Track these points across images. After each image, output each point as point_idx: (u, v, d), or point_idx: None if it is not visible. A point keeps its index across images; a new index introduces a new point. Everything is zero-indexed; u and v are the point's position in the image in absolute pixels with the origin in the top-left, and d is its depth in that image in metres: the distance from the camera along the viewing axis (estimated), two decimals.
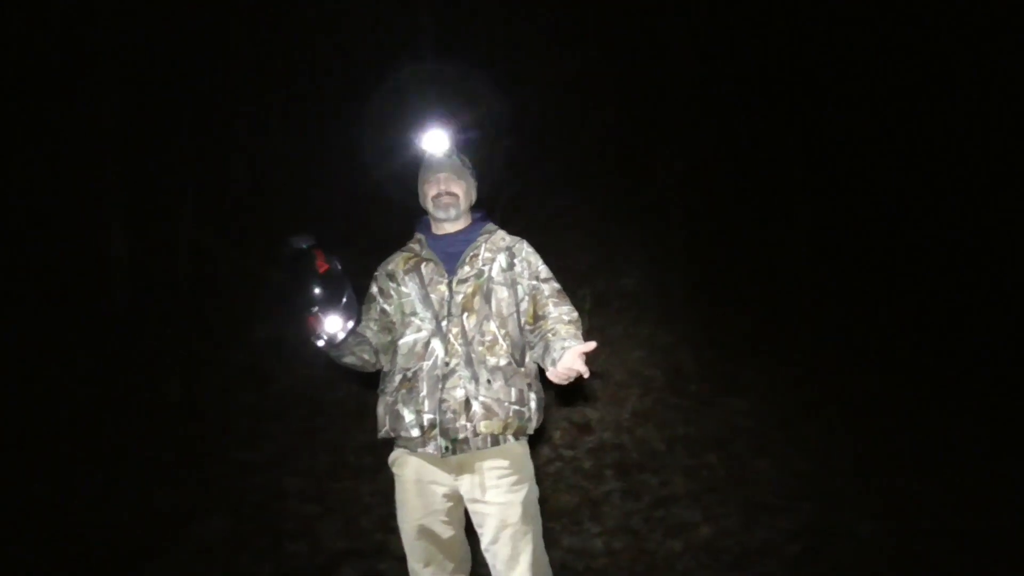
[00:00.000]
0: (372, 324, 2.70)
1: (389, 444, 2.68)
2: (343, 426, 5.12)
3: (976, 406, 5.97)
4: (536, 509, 2.62)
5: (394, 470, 2.67)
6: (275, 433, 4.99)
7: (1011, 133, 8.24)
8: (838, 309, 7.65)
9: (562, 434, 5.19)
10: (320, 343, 2.49)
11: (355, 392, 5.45)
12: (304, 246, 2.56)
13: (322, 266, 2.52)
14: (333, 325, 2.48)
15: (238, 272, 6.07)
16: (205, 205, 6.63)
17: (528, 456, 2.66)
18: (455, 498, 2.61)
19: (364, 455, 4.84)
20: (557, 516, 4.40)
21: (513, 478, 2.57)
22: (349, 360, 2.63)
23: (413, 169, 2.89)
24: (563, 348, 2.50)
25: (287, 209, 6.82)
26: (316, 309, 2.48)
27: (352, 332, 2.54)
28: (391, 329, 2.70)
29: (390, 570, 3.83)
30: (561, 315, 2.66)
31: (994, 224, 8.27)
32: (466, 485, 2.57)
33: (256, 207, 6.98)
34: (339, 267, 2.55)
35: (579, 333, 2.62)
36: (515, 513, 2.54)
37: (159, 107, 6.56)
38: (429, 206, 2.78)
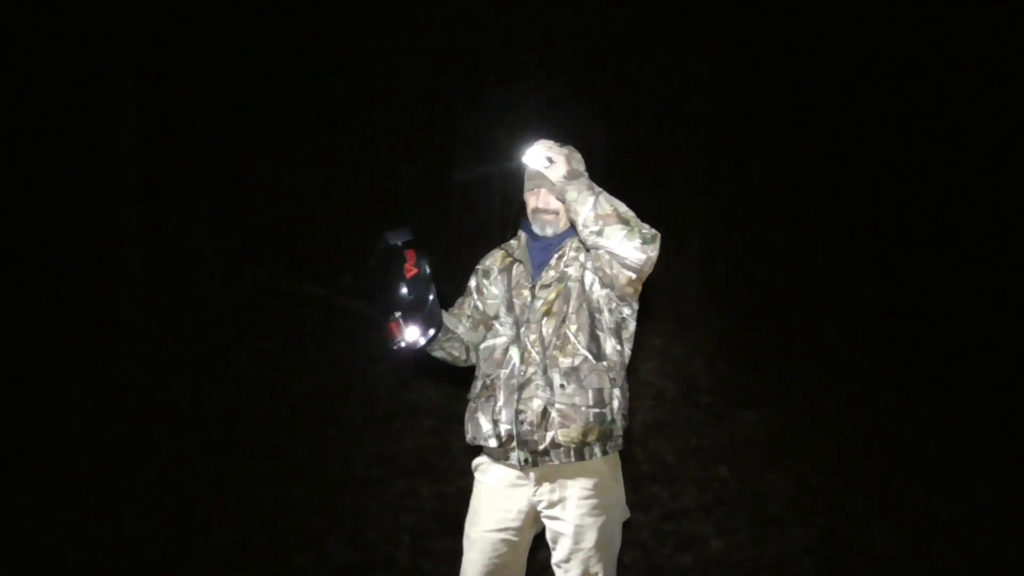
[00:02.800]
0: (465, 320, 2.63)
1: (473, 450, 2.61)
2: (352, 437, 5.11)
3: (993, 423, 5.88)
4: (616, 535, 2.50)
5: (476, 475, 2.60)
6: (284, 443, 4.98)
7: None
8: (854, 321, 7.57)
9: None
10: (398, 348, 2.43)
11: (364, 402, 5.46)
12: (398, 243, 2.46)
13: (410, 270, 2.43)
14: (413, 334, 2.42)
15: (248, 280, 6.09)
16: (220, 211, 6.67)
17: (616, 476, 2.52)
18: (531, 515, 2.51)
19: (373, 466, 4.83)
20: None
21: (595, 501, 2.44)
22: (438, 354, 2.60)
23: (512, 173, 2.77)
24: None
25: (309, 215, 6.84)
26: (398, 315, 2.42)
27: (433, 339, 2.47)
28: (483, 326, 2.63)
29: None
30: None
31: None
32: (545, 499, 2.47)
33: (272, 216, 7.01)
34: (428, 271, 2.44)
35: (625, 216, 2.36)
36: (591, 539, 2.43)
37: (178, 109, 6.62)
38: (529, 215, 2.66)
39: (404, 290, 2.42)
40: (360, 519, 4.32)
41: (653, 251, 2.36)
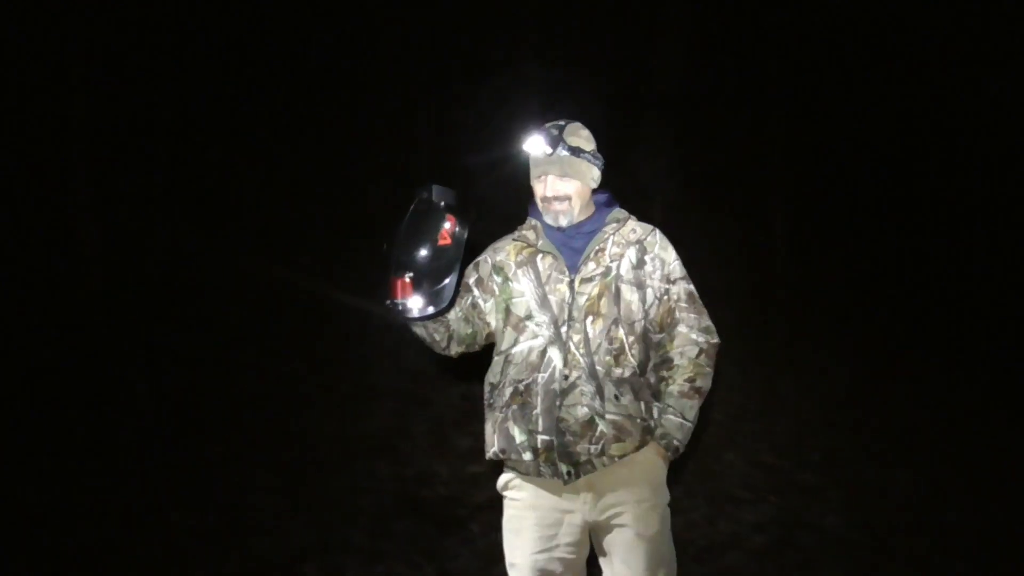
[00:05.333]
0: (458, 311, 2.41)
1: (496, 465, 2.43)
2: (315, 420, 5.10)
3: (944, 400, 6.02)
4: (668, 527, 2.36)
5: (506, 495, 2.39)
6: (245, 427, 4.96)
7: None
8: (811, 304, 7.70)
9: None
10: (391, 308, 2.21)
11: (327, 385, 5.45)
12: (442, 203, 2.22)
13: (445, 237, 2.19)
14: (415, 302, 2.19)
15: (206, 262, 6.03)
16: (182, 202, 6.59)
17: (659, 462, 2.34)
18: (581, 526, 2.32)
19: (335, 450, 4.83)
20: None
21: (651, 489, 2.32)
22: (419, 332, 2.38)
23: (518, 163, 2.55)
24: (664, 422, 2.30)
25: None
26: (410, 276, 2.19)
27: (430, 318, 2.26)
28: (477, 324, 2.43)
29: (352, 563, 3.83)
30: (686, 344, 2.35)
31: None
32: (589, 507, 2.29)
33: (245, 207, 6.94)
34: (462, 244, 2.21)
35: (698, 383, 2.33)
36: (656, 541, 2.30)
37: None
38: (539, 205, 2.43)
39: (428, 253, 2.18)
40: (319, 503, 4.32)
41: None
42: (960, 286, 7.94)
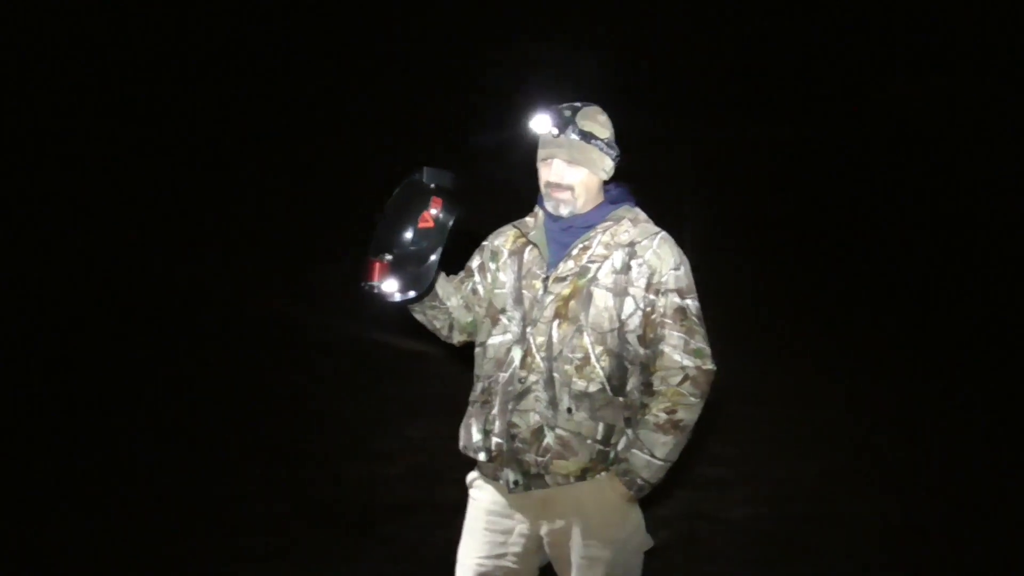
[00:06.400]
0: (458, 298, 2.28)
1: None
2: (223, 422, 5.00)
3: (853, 394, 6.15)
4: (632, 570, 2.16)
5: (470, 492, 2.28)
6: (154, 427, 4.82)
7: None
8: (719, 298, 7.81)
9: None
10: (367, 291, 2.11)
11: (240, 385, 5.32)
12: (431, 184, 2.13)
13: (428, 219, 2.10)
14: (391, 285, 2.09)
15: (141, 255, 5.82)
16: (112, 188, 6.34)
17: (617, 499, 2.11)
18: (535, 540, 2.16)
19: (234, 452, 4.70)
20: None
21: (602, 529, 2.10)
22: (420, 318, 2.29)
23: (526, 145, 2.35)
24: (628, 456, 2.06)
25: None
26: (389, 257, 2.10)
27: (411, 302, 2.16)
28: (477, 312, 2.29)
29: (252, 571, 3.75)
30: (670, 367, 2.08)
31: None
32: (546, 528, 2.13)
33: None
34: (447, 228, 2.10)
35: (679, 415, 2.06)
36: (599, 573, 2.10)
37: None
38: (541, 190, 2.25)
39: (409, 235, 2.09)
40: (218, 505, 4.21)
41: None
42: (859, 280, 8.15)
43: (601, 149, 2.18)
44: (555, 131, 2.14)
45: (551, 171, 2.18)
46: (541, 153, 2.22)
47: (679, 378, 2.07)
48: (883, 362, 6.65)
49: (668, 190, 7.42)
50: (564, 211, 2.18)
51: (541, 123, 2.15)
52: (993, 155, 8.57)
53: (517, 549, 2.16)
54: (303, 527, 4.09)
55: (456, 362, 3.43)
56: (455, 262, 2.33)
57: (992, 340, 6.78)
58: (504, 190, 3.74)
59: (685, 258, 2.19)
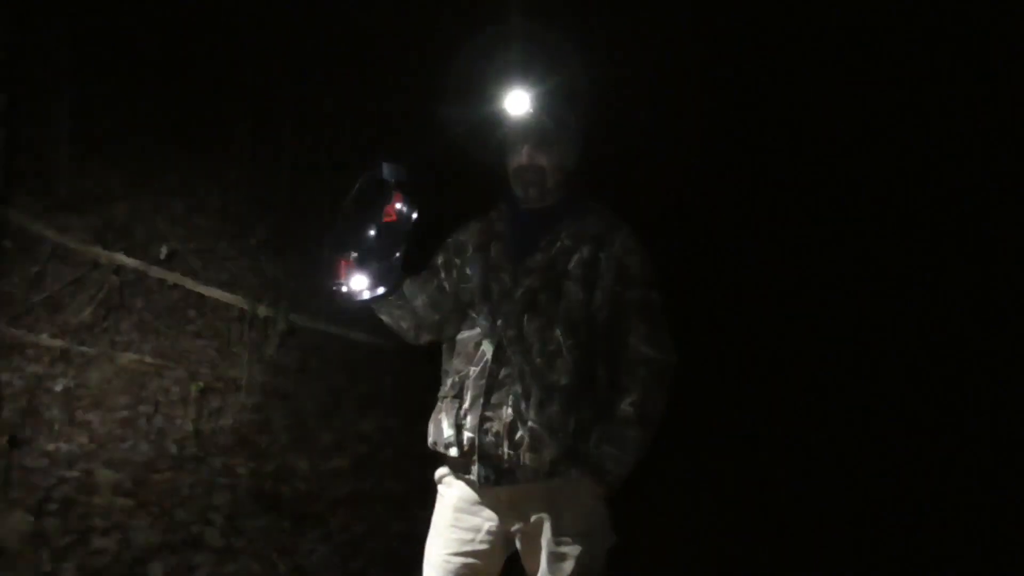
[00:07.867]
0: (424, 297, 2.25)
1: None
2: (167, 414, 4.90)
3: (741, 401, 6.09)
4: (597, 566, 2.12)
5: (439, 488, 2.26)
6: (90, 421, 4.71)
7: None
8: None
9: None
10: (336, 291, 2.09)
11: (181, 378, 5.23)
12: (391, 180, 2.09)
13: (390, 213, 2.07)
14: (359, 283, 2.07)
15: (54, 247, 5.66)
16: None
17: (588, 496, 2.12)
18: (500, 537, 2.17)
19: (187, 444, 4.66)
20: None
21: (570, 526, 2.09)
22: (385, 319, 2.25)
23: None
24: (597, 451, 2.07)
25: None
26: (354, 255, 2.07)
27: (380, 299, 2.13)
28: (444, 310, 2.26)
29: (205, 562, 3.71)
30: (635, 359, 2.11)
31: None
32: (517, 525, 2.14)
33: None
34: (410, 222, 2.07)
35: (646, 407, 2.08)
36: (566, 570, 2.08)
37: None
38: (510, 178, 2.24)
39: (372, 232, 2.06)
40: (168, 499, 4.17)
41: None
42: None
43: (572, 137, 2.22)
44: (530, 110, 2.16)
45: (522, 156, 2.19)
46: (511, 140, 2.22)
47: (644, 371, 2.11)
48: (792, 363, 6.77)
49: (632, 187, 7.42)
50: (532, 192, 2.19)
51: (517, 101, 2.18)
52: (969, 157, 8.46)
53: (485, 547, 2.16)
54: (251, 519, 4.08)
55: (408, 356, 3.44)
56: (419, 258, 2.32)
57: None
58: (469, 186, 3.75)
59: (648, 251, 2.23)
